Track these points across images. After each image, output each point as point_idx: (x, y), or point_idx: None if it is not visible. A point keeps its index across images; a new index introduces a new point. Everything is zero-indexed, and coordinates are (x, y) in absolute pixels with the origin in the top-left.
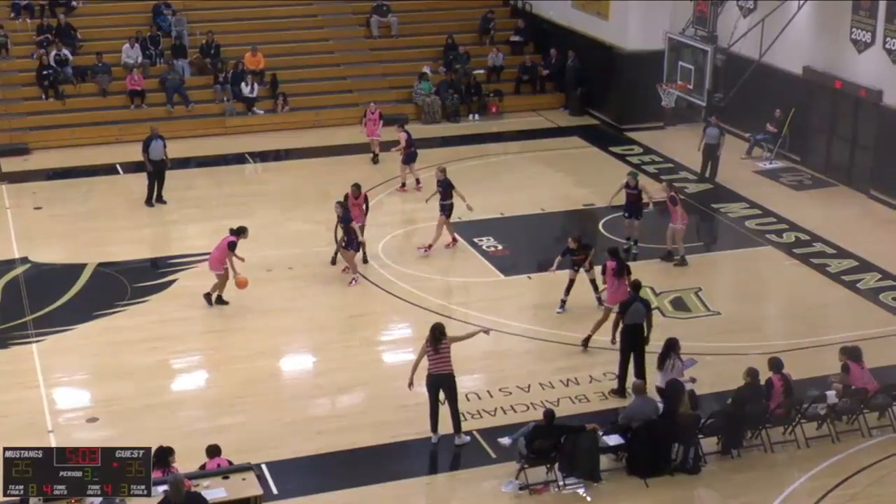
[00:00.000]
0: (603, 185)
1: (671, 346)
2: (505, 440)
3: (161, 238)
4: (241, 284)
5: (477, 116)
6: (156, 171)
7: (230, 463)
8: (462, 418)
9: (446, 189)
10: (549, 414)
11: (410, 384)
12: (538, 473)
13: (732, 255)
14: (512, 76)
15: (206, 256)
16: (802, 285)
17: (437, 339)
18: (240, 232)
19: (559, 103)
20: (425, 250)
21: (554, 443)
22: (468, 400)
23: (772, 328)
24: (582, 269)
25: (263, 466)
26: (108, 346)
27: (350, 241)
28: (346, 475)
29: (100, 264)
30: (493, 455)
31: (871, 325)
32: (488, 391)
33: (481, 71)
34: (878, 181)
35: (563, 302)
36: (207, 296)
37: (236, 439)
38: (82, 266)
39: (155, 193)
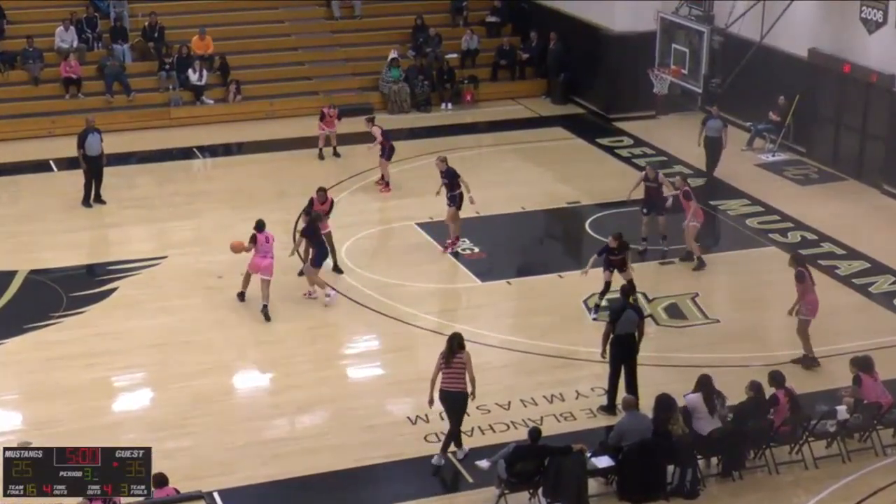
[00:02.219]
0: (589, 180)
1: (708, 384)
2: (483, 463)
3: (99, 242)
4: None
5: (450, 105)
6: (93, 169)
7: (177, 492)
8: (437, 439)
9: (452, 179)
10: (534, 432)
11: (430, 402)
12: (520, 499)
13: (732, 256)
14: (488, 61)
15: (150, 262)
16: None
17: (452, 351)
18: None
19: (540, 91)
20: (450, 248)
21: (537, 465)
22: (442, 419)
23: (776, 337)
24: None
25: (215, 495)
26: (42, 363)
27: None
28: (305, 503)
29: (31, 272)
30: (471, 479)
31: (884, 333)
32: None
33: (454, 55)
34: (890, 174)
35: (598, 307)
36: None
37: (184, 465)
38: (12, 274)
39: (93, 192)
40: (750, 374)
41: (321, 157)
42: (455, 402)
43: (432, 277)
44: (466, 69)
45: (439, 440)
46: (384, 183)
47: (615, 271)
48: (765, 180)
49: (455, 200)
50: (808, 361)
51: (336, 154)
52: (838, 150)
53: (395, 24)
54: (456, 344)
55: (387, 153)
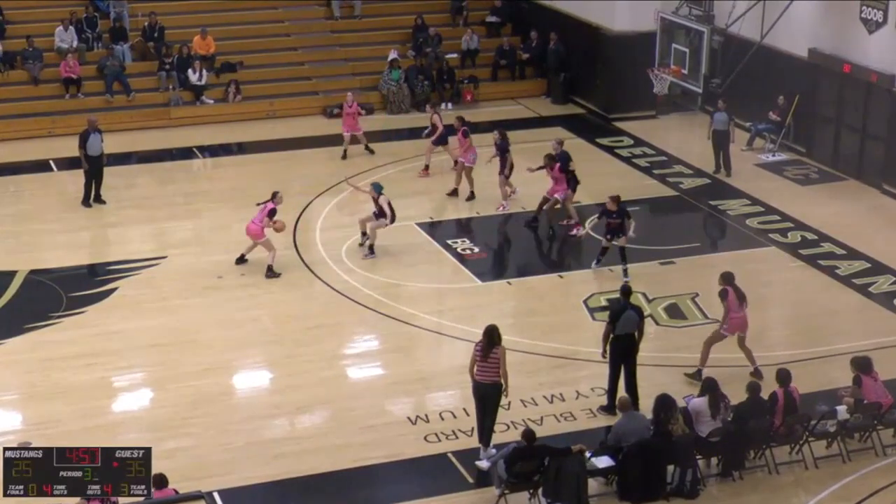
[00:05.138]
0: (590, 180)
1: (714, 388)
2: (483, 463)
3: (99, 242)
4: (280, 229)
5: (450, 105)
6: (94, 169)
7: (177, 493)
8: (437, 439)
9: (565, 163)
10: (528, 434)
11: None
12: (520, 500)
13: (732, 256)
14: (488, 61)
15: (150, 262)
16: (809, 289)
17: (492, 343)
18: (273, 197)
19: (540, 91)
20: (576, 230)
21: (537, 465)
22: (442, 419)
23: (776, 337)
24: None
25: (215, 495)
26: (41, 363)
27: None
28: (305, 503)
29: (31, 272)
30: (470, 480)
31: (884, 333)
32: (464, 409)
33: (454, 55)
34: (890, 174)
35: (598, 261)
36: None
37: (184, 465)
38: (12, 274)
39: (93, 192)
40: (750, 374)
41: (370, 151)
42: (490, 395)
43: (432, 277)
44: (466, 69)
45: (439, 440)
46: (425, 166)
47: (612, 238)
48: (765, 180)
49: (572, 183)
50: (699, 376)
51: (370, 151)
52: (838, 150)
53: (395, 24)
54: (495, 337)
55: (438, 140)
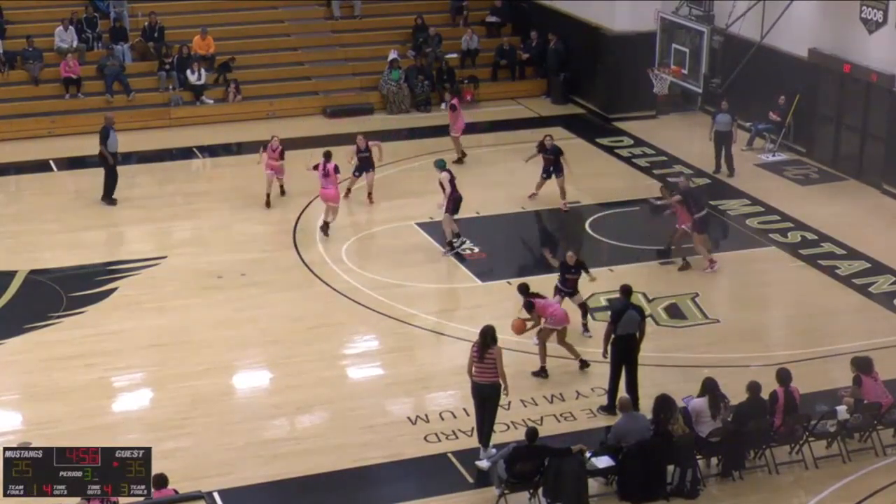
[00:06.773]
0: (589, 180)
1: (714, 389)
2: (483, 463)
3: (99, 242)
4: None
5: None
6: (115, 165)
7: (177, 493)
8: (437, 439)
9: (697, 200)
10: (531, 432)
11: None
12: (520, 499)
13: (732, 256)
14: (488, 61)
15: (149, 262)
16: (809, 289)
17: (486, 345)
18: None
19: (540, 90)
20: (710, 268)
21: (537, 465)
22: (442, 419)
23: (776, 337)
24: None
25: (215, 495)
26: (41, 363)
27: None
28: (304, 503)
29: (31, 272)
30: (470, 480)
31: (884, 333)
32: (464, 409)
33: (454, 55)
34: (890, 174)
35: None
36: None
37: (183, 465)
38: (11, 274)
39: (108, 192)
40: (750, 374)
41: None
42: (490, 396)
43: (432, 277)
44: (466, 69)
45: (439, 440)
46: (347, 190)
47: (565, 297)
48: (765, 180)
49: (699, 225)
50: (542, 373)
51: (282, 192)
52: (838, 150)
53: (395, 24)
54: (489, 338)
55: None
